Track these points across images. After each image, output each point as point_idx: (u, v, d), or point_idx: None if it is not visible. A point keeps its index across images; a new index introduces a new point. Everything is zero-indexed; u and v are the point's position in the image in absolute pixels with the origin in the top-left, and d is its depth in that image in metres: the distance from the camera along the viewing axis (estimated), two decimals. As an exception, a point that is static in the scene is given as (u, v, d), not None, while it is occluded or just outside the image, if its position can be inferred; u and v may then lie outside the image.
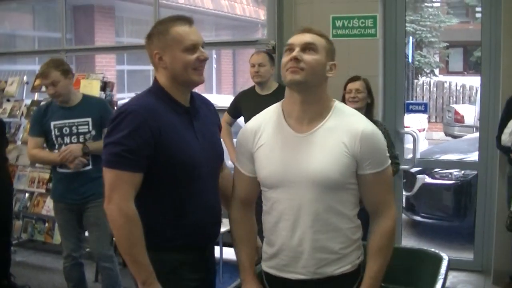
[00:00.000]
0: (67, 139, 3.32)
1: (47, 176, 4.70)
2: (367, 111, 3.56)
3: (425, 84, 14.75)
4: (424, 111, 4.83)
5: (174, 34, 1.90)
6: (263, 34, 10.01)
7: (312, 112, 1.83)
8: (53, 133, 3.33)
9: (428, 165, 5.38)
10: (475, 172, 4.65)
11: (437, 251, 2.39)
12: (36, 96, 5.21)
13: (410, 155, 4.51)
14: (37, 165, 4.69)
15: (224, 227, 2.13)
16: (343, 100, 3.54)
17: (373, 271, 1.84)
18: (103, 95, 4.61)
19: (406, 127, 4.61)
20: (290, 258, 1.85)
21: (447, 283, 2.26)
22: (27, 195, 4.99)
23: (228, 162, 2.63)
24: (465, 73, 18.34)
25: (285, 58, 1.81)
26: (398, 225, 2.34)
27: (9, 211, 4.12)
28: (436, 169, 5.44)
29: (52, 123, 3.33)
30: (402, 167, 4.19)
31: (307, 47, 1.80)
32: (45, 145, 3.41)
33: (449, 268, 2.25)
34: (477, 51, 13.75)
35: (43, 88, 4.14)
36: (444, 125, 13.08)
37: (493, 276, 4.05)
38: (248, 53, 4.20)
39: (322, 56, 1.81)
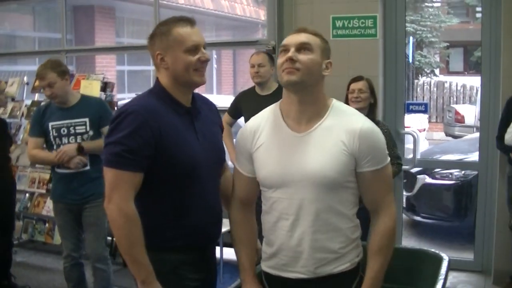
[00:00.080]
0: (65, 140, 3.32)
1: (47, 176, 4.70)
2: (370, 111, 3.55)
3: (425, 84, 14.73)
4: (425, 111, 4.84)
5: (176, 35, 1.90)
6: (263, 34, 10.01)
7: (310, 111, 1.83)
8: (51, 133, 3.34)
9: (429, 165, 5.39)
10: (475, 172, 4.64)
11: (437, 252, 2.39)
12: (37, 97, 5.22)
13: (411, 155, 4.51)
14: (37, 165, 4.69)
15: (225, 227, 2.13)
16: (346, 100, 3.54)
17: (374, 271, 1.84)
18: (103, 96, 4.62)
19: (407, 127, 4.61)
20: (290, 257, 1.85)
21: (448, 284, 2.26)
22: (27, 195, 4.99)
23: (229, 163, 2.62)
24: (466, 73, 18.33)
25: (281, 59, 1.81)
26: (398, 225, 2.34)
27: (11, 211, 4.12)
28: (437, 169, 5.44)
29: (50, 124, 3.34)
30: (403, 167, 4.19)
31: (302, 47, 1.79)
32: (45, 145, 3.42)
33: (450, 268, 2.25)
34: (478, 51, 13.72)
35: (43, 89, 4.14)
36: (444, 125, 13.07)
37: (493, 276, 4.05)
38: (248, 54, 4.20)
39: (318, 55, 1.81)
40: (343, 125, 1.81)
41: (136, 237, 1.81)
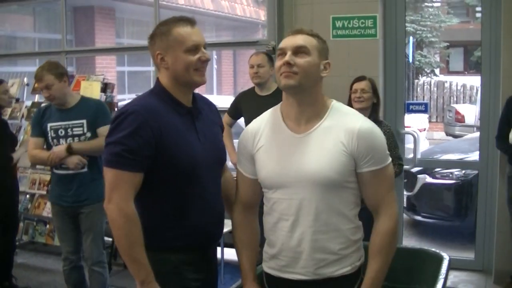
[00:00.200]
0: (62, 141, 3.31)
1: (47, 177, 4.69)
2: (373, 111, 3.55)
3: (425, 84, 14.73)
4: (425, 111, 4.83)
5: (176, 35, 1.90)
6: (263, 34, 10.02)
7: (309, 112, 1.84)
8: (49, 135, 3.33)
9: (429, 165, 5.38)
10: (475, 172, 4.64)
11: (438, 251, 2.39)
12: (37, 98, 5.22)
13: (411, 155, 4.51)
14: (37, 166, 4.69)
15: (226, 227, 2.13)
16: (349, 100, 3.53)
17: (374, 270, 1.83)
18: (103, 97, 4.61)
19: (407, 127, 4.61)
20: (290, 258, 1.85)
21: (448, 283, 2.26)
22: (28, 196, 4.99)
23: (229, 163, 2.62)
24: (466, 73, 18.33)
25: (278, 63, 1.81)
26: (399, 225, 2.34)
27: (14, 212, 4.11)
28: (437, 169, 5.44)
29: (49, 125, 3.33)
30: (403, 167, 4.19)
31: (298, 51, 1.79)
32: (45, 146, 3.42)
33: (450, 267, 2.26)
34: (478, 51, 13.73)
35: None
36: (444, 125, 13.06)
37: (494, 276, 4.05)
38: (248, 54, 4.20)
39: (315, 57, 1.81)
40: (342, 126, 1.81)
41: (136, 237, 1.81)
